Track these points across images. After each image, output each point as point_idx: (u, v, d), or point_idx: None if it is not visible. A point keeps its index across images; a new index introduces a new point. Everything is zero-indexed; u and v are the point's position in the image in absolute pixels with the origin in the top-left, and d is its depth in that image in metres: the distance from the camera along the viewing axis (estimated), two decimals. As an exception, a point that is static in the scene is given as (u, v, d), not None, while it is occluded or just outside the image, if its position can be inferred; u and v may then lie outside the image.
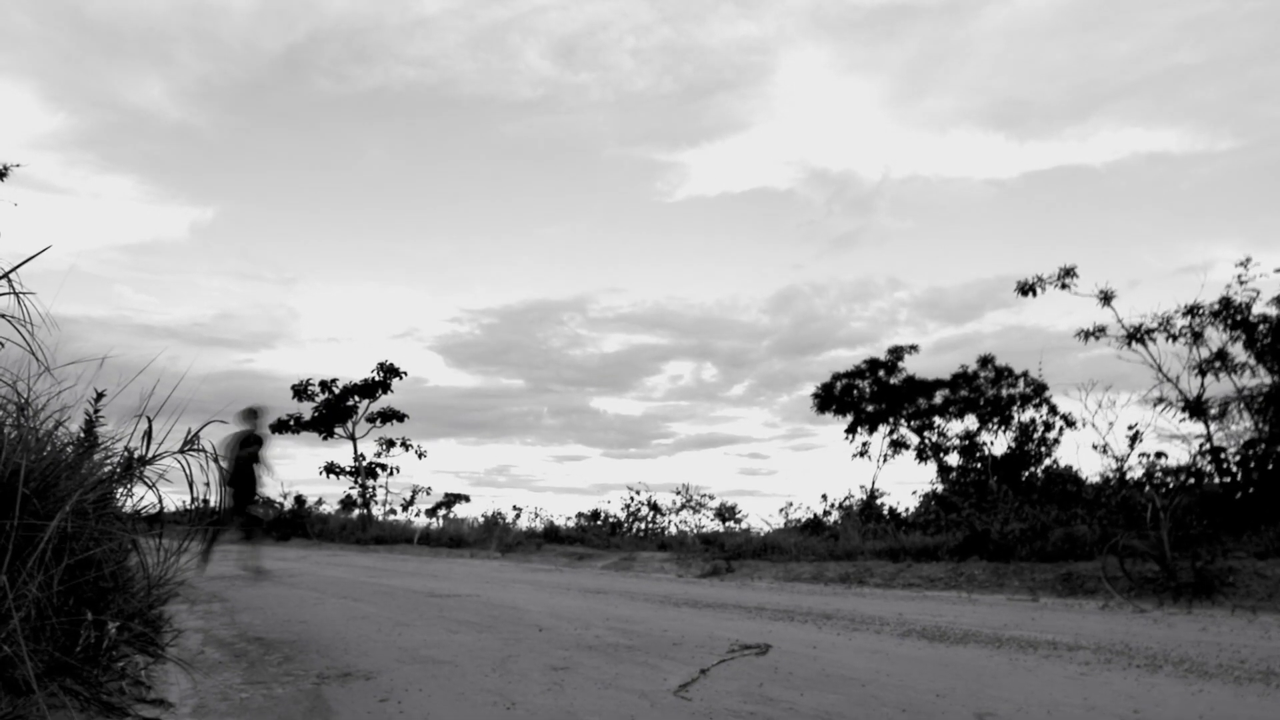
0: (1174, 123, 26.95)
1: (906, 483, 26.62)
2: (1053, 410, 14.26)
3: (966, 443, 14.93)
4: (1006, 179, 29.94)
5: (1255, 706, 3.15)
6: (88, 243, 27.97)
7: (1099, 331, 11.10)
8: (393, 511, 20.92)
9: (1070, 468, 12.94)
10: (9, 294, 2.72)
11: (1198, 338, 10.28)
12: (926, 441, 15.48)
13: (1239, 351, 10.04)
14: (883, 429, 15.92)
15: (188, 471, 3.08)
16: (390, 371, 21.12)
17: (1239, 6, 24.62)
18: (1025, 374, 14.63)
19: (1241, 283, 9.97)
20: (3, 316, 2.73)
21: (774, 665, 3.88)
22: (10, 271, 2.71)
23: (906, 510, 14.05)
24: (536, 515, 17.72)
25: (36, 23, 27.61)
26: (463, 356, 31.53)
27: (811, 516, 14.46)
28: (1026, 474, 13.74)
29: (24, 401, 2.96)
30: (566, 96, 33.35)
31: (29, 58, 27.75)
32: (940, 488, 14.45)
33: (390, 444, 21.23)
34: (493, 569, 11.55)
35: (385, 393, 21.19)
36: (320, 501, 20.96)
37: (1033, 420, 14.32)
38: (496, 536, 15.54)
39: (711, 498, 16.87)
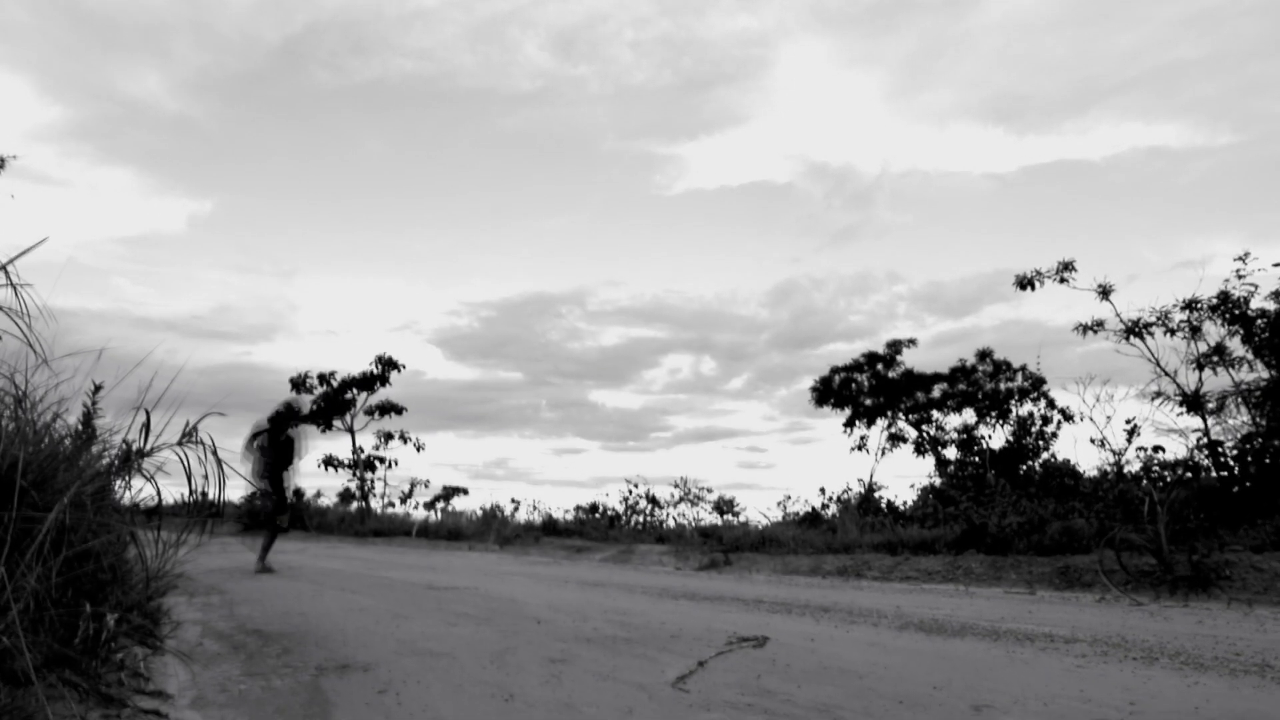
0: (1173, 117, 26.94)
1: (904, 476, 26.62)
2: (1051, 404, 14.28)
3: (964, 436, 14.95)
4: (1005, 173, 29.92)
5: (1250, 699, 3.16)
6: (85, 235, 27.91)
7: (1097, 325, 11.11)
8: (391, 504, 20.96)
9: (1068, 461, 12.94)
10: (6, 286, 2.71)
11: (1196, 332, 10.29)
12: (924, 435, 15.50)
13: (1237, 346, 10.05)
14: (881, 422, 15.93)
15: (186, 464, 3.08)
16: (388, 364, 21.11)
17: (1239, 1, 24.59)
18: (1023, 368, 14.64)
19: (1240, 277, 9.97)
20: (0, 309, 2.72)
21: (772, 658, 3.89)
22: (8, 263, 2.70)
23: (904, 504, 14.07)
24: (535, 508, 17.73)
25: (33, 14, 27.49)
26: (461, 349, 31.52)
27: (809, 510, 14.48)
28: (1024, 468, 13.76)
29: (22, 394, 2.96)
30: (565, 89, 33.28)
31: (26, 49, 27.63)
32: (938, 481, 14.47)
33: (389, 437, 21.24)
34: (491, 561, 11.57)
35: (383, 385, 21.18)
36: (319, 494, 21.03)
37: (1031, 414, 14.33)
38: (495, 529, 15.55)
39: (710, 491, 16.87)
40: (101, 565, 2.92)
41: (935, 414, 15.51)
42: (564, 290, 34.44)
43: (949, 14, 29.03)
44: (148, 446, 3.07)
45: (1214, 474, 9.87)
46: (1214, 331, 10.21)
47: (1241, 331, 9.95)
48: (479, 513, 17.57)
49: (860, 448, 15.80)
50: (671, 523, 16.15)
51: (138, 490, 3.16)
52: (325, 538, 17.27)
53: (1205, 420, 10.10)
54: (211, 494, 3.10)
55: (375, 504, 20.75)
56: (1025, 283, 11.73)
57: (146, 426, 3.05)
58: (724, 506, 16.42)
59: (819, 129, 31.90)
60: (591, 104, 33.31)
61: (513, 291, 35.76)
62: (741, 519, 15.74)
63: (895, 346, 15.83)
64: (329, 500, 21.03)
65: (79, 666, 2.65)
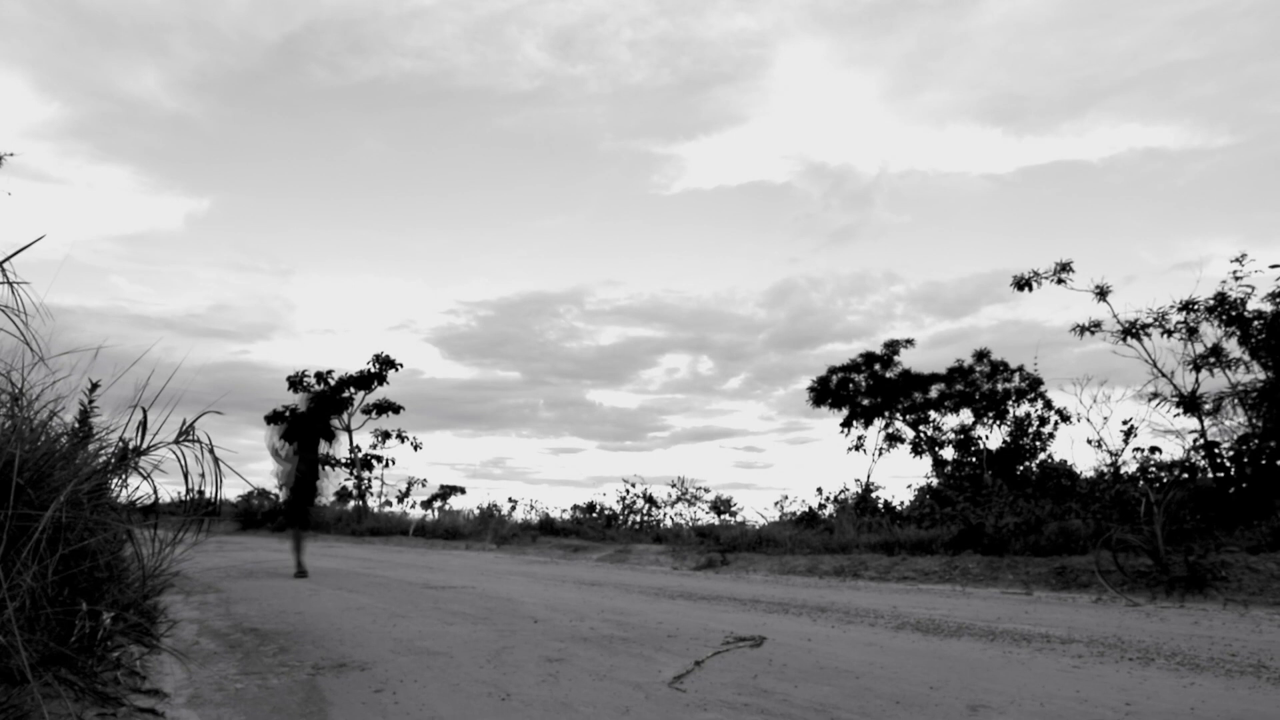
0: (1171, 118, 26.98)
1: (901, 476, 26.68)
2: (1048, 405, 14.30)
3: (962, 437, 14.97)
4: (1003, 174, 29.94)
5: (1246, 699, 3.17)
6: (83, 233, 27.85)
7: (1094, 326, 11.14)
8: (388, 503, 20.96)
9: (1065, 462, 12.97)
10: (3, 284, 2.71)
11: (1193, 333, 10.31)
12: (922, 435, 15.51)
13: (1233, 347, 10.07)
14: (878, 423, 15.94)
15: (183, 462, 3.07)
16: (386, 363, 21.11)
17: (1237, 3, 24.64)
18: (1021, 368, 14.66)
19: (1237, 278, 9.99)
20: (-3, 306, 2.72)
21: (768, 657, 3.90)
22: (5, 261, 2.69)
23: (901, 504, 14.07)
24: (532, 507, 17.74)
25: (32, 11, 27.43)
26: (459, 348, 31.51)
27: (806, 510, 14.48)
28: (1021, 468, 13.78)
29: (18, 392, 2.96)
30: (563, 89, 33.26)
31: (24, 47, 27.57)
32: (935, 481, 14.48)
33: (386, 436, 21.25)
34: (488, 561, 11.57)
35: (381, 384, 21.20)
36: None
37: (1028, 415, 14.35)
38: (492, 528, 15.55)
39: (707, 490, 16.88)
40: (98, 563, 2.91)
41: (932, 414, 15.52)
42: (562, 290, 34.45)
43: (948, 14, 29.07)
44: (144, 444, 3.06)
45: (1210, 475, 9.89)
46: (1211, 333, 10.24)
47: (1238, 333, 9.97)
48: (476, 512, 17.58)
49: (857, 448, 15.81)
50: (668, 522, 16.16)
51: (134, 488, 3.16)
52: (322, 536, 17.25)
53: (1202, 421, 10.12)
54: (208, 492, 3.09)
55: (372, 503, 20.76)
56: (1023, 283, 11.76)
57: (143, 424, 3.05)
58: (721, 506, 16.43)
59: (817, 129, 31.93)
60: (590, 104, 33.32)
61: (510, 291, 35.76)
62: (738, 519, 15.76)
63: (893, 347, 15.85)
64: (326, 499, 21.03)
65: (75, 665, 2.64)
